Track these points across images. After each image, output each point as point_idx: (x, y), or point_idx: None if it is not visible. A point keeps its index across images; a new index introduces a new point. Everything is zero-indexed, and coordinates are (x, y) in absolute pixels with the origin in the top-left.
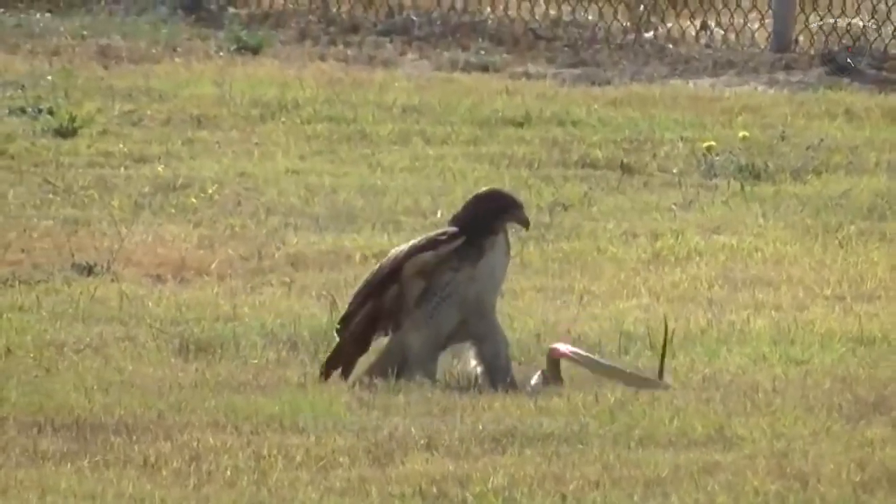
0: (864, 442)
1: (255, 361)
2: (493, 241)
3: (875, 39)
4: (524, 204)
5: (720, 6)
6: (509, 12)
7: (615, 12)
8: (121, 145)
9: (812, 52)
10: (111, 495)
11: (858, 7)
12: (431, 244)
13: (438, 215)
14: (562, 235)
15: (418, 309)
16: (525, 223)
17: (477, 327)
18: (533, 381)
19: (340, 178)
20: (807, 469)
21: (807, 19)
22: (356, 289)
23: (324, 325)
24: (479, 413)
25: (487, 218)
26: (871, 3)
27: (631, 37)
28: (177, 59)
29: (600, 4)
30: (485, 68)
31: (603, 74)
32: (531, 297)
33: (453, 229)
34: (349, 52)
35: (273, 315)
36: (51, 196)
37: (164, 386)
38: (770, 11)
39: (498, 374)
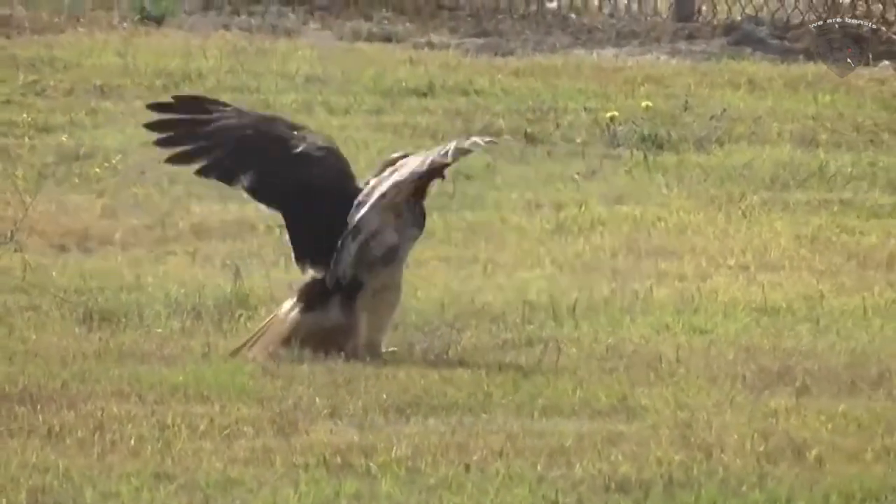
0: (768, 412)
1: (160, 331)
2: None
3: (777, 10)
4: None
5: None
6: None
7: None
8: (24, 115)
9: (715, 21)
10: (15, 464)
11: None
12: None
13: None
14: (465, 205)
15: (386, 267)
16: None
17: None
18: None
19: None
20: (710, 439)
21: None
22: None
23: (227, 294)
24: (383, 383)
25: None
26: None
27: (534, 7)
28: (80, 29)
29: None
30: (388, 38)
31: (506, 44)
32: (435, 267)
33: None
34: (252, 21)
35: (177, 284)
36: None
37: (67, 355)
38: None
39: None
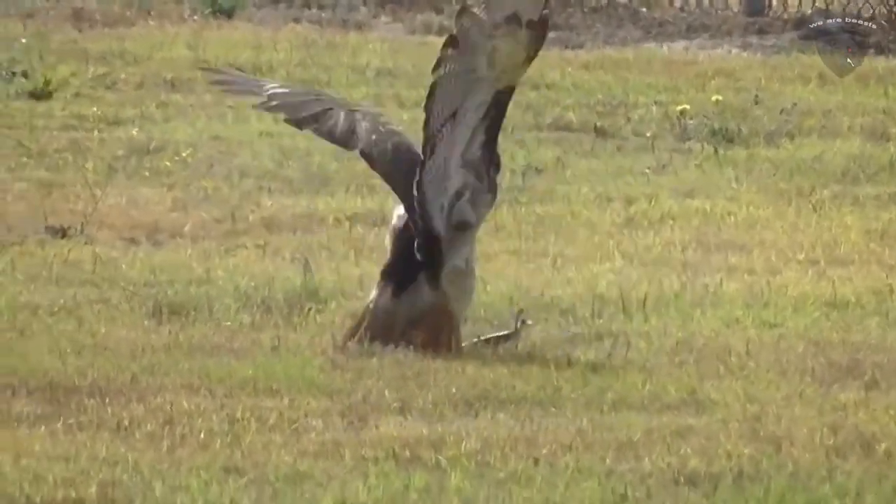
0: (837, 406)
1: (229, 324)
2: None
3: (848, 3)
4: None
5: None
6: None
7: None
8: (95, 108)
9: (785, 15)
10: (85, 458)
11: None
12: None
13: None
14: (535, 199)
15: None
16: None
17: None
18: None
19: (314, 140)
20: (780, 433)
21: None
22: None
23: (297, 288)
24: (452, 376)
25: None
26: None
27: (604, 0)
28: (151, 22)
29: None
30: None
31: (577, 38)
32: (505, 261)
33: None
34: (323, 14)
35: (247, 278)
36: (25, 159)
37: (137, 349)
38: None
39: None
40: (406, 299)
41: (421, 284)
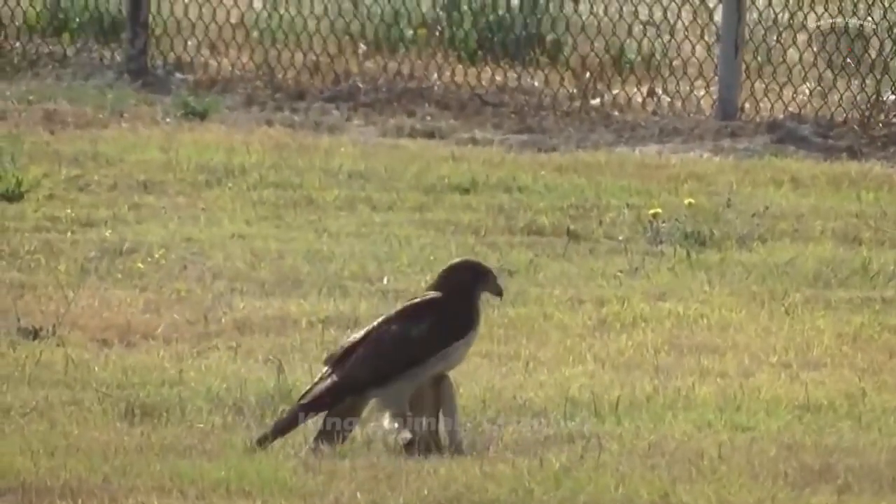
0: None
1: (201, 426)
2: (479, 311)
3: (821, 107)
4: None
5: (666, 73)
6: (455, 78)
7: (561, 79)
8: (67, 210)
9: (758, 119)
10: None
11: (805, 75)
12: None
13: (384, 281)
14: (507, 301)
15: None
16: (499, 292)
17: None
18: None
19: (287, 243)
20: None
21: (752, 87)
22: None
23: (270, 390)
24: (424, 478)
25: (465, 287)
26: (818, 71)
27: (577, 103)
28: (123, 125)
29: (546, 71)
30: (431, 134)
31: (549, 141)
32: (477, 363)
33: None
34: (295, 117)
35: (219, 379)
36: None
37: (109, 450)
38: (716, 79)
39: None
40: None
41: None
